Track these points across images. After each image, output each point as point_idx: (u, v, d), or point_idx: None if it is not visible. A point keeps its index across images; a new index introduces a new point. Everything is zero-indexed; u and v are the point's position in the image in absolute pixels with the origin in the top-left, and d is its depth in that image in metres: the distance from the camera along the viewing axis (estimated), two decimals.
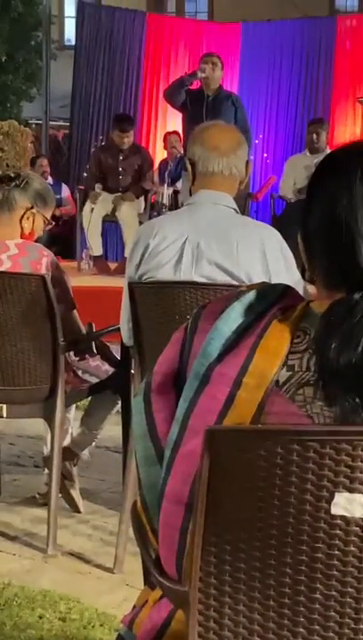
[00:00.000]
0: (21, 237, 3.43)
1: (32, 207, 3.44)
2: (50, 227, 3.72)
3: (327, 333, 1.21)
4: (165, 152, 10.13)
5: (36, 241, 3.56)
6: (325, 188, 1.29)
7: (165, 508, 1.30)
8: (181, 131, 8.80)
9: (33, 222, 3.44)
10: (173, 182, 9.01)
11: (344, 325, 1.20)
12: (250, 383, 1.24)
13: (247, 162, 2.92)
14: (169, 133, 10.12)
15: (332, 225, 1.26)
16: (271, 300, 1.31)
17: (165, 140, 10.21)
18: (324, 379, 1.21)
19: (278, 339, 1.26)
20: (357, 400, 1.18)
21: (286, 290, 1.34)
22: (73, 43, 12.17)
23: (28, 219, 3.43)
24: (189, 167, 2.93)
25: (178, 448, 1.29)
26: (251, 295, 1.31)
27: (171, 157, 9.77)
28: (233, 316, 1.29)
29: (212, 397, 1.26)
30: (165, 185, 8.89)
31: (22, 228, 3.43)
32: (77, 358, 3.59)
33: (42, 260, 3.36)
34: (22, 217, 3.42)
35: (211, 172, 2.85)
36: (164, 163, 9.91)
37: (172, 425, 1.31)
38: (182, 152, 9.00)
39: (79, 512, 3.64)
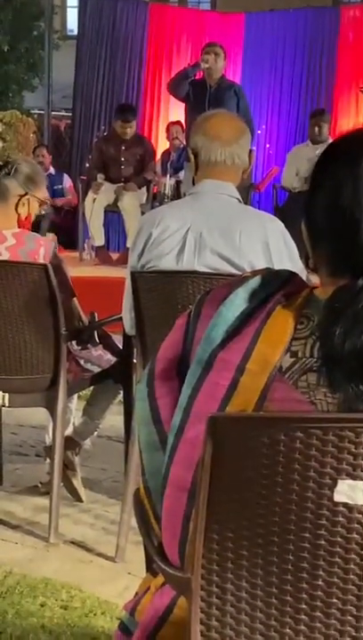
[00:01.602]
0: (18, 223, 3.42)
1: (26, 194, 3.43)
2: (45, 206, 3.71)
3: (331, 319, 1.21)
4: (168, 142, 10.11)
5: (35, 226, 3.56)
6: (329, 175, 1.29)
7: (168, 494, 1.30)
8: (183, 121, 8.78)
9: (28, 207, 3.44)
10: (175, 173, 9.00)
11: (348, 311, 1.20)
12: (253, 369, 1.24)
13: (250, 151, 2.90)
14: (172, 124, 10.10)
15: (336, 212, 1.26)
16: (275, 286, 1.31)
17: (167, 130, 10.19)
18: (328, 365, 1.21)
19: (281, 325, 1.26)
20: (360, 387, 1.19)
21: (290, 276, 1.34)
22: (75, 33, 12.13)
23: (23, 205, 3.43)
24: (191, 157, 2.92)
25: (181, 434, 1.29)
26: (255, 281, 1.31)
27: (173, 148, 9.76)
28: (237, 303, 1.29)
29: (215, 384, 1.26)
30: (168, 175, 8.87)
31: (18, 215, 3.42)
32: (80, 347, 3.59)
33: (39, 250, 3.36)
34: (17, 204, 3.42)
35: (213, 161, 2.84)
36: (166, 153, 9.89)
37: (175, 411, 1.31)
38: (185, 142, 8.99)
39: (81, 501, 3.64)
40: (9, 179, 3.41)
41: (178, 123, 9.78)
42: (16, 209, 3.41)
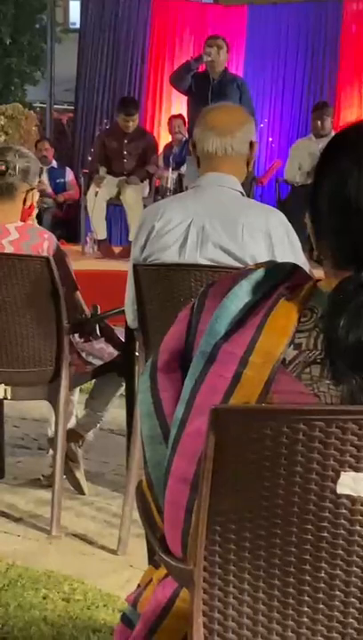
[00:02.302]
0: (23, 213, 3.44)
1: (32, 188, 3.47)
2: (41, 188, 3.78)
3: (335, 312, 1.20)
4: (170, 136, 10.09)
5: (38, 220, 3.60)
6: (334, 165, 1.28)
7: (171, 486, 1.30)
8: (185, 114, 8.77)
9: (32, 197, 3.49)
10: (177, 166, 8.98)
11: (352, 303, 1.19)
12: (257, 362, 1.24)
13: (252, 142, 2.88)
14: (173, 117, 10.07)
15: (340, 202, 1.25)
16: (279, 278, 1.31)
17: (169, 123, 10.17)
18: (331, 357, 1.20)
19: (285, 317, 1.26)
20: None
21: (293, 269, 1.33)
22: (78, 26, 12.11)
23: (29, 199, 3.47)
24: (191, 149, 2.92)
25: (184, 427, 1.29)
26: (259, 274, 1.31)
27: (175, 141, 9.74)
28: (240, 295, 1.29)
29: (218, 376, 1.26)
30: (170, 169, 8.86)
31: (23, 208, 3.46)
32: (82, 340, 3.60)
33: (43, 244, 3.38)
34: (25, 199, 3.46)
35: (206, 152, 2.84)
36: (168, 146, 9.87)
37: (178, 403, 1.31)
38: (187, 135, 8.99)
39: (83, 494, 3.65)
40: (14, 179, 3.43)
41: (179, 116, 9.75)
42: (24, 204, 3.45)
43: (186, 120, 9.04)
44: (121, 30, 11.00)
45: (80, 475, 3.66)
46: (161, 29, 11.13)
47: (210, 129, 2.82)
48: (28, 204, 3.47)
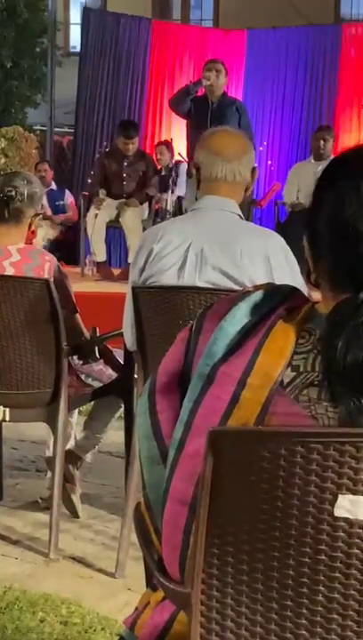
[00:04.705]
0: (27, 237, 3.48)
1: (38, 214, 3.52)
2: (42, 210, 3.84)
3: (333, 333, 1.20)
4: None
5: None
6: (332, 187, 1.29)
7: (169, 508, 1.30)
8: (185, 137, 8.81)
9: (36, 221, 3.53)
10: (161, 182, 9.02)
11: (350, 325, 1.19)
12: (254, 383, 1.24)
13: (254, 169, 2.91)
14: (156, 145, 10.12)
15: (338, 225, 1.26)
16: (277, 300, 1.31)
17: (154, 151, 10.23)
18: (329, 379, 1.20)
19: (283, 339, 1.26)
20: (362, 401, 1.18)
21: (291, 291, 1.34)
22: (78, 49, 12.20)
23: (33, 224, 3.51)
24: (194, 172, 2.93)
25: (182, 448, 1.29)
26: (257, 296, 1.31)
27: (163, 166, 9.74)
28: (238, 317, 1.29)
29: (216, 397, 1.26)
30: (169, 191, 8.89)
31: (28, 230, 3.49)
32: (81, 362, 3.60)
33: (44, 266, 3.39)
34: (31, 224, 3.50)
35: (214, 177, 2.85)
36: (168, 169, 9.91)
37: (176, 425, 1.31)
38: (174, 160, 9.11)
39: (77, 517, 3.63)
40: (22, 204, 3.46)
41: (158, 146, 9.83)
42: (29, 228, 3.48)
43: (172, 145, 9.18)
44: (121, 54, 11.07)
45: (76, 498, 3.64)
46: (161, 53, 11.20)
47: (216, 154, 2.84)
48: (33, 228, 3.50)
